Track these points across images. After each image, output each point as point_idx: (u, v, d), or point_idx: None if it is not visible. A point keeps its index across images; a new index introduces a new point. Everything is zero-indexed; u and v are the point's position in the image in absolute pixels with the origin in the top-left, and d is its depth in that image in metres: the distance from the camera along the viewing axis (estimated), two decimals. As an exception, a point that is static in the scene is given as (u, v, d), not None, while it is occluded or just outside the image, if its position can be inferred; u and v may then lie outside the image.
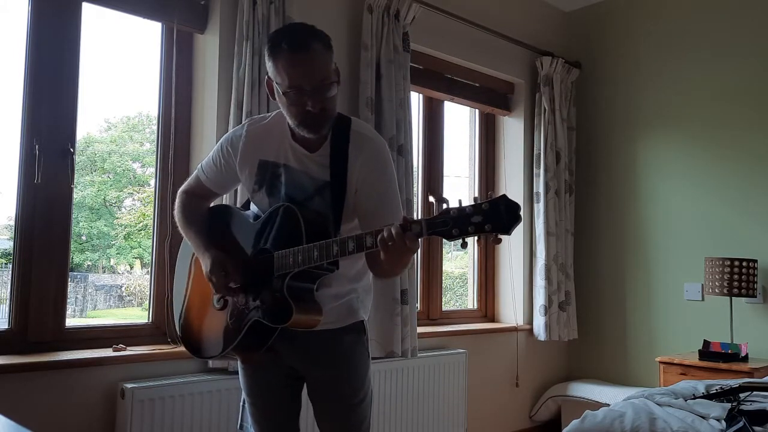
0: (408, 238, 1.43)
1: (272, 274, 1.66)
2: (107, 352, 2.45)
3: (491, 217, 1.33)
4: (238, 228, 1.84)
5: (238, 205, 2.24)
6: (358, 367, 1.82)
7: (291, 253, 1.62)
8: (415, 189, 3.34)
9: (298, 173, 1.74)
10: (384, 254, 1.47)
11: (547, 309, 3.97)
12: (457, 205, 1.39)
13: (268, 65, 1.66)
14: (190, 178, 1.99)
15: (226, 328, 1.75)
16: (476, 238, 1.37)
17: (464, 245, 1.40)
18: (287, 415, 1.90)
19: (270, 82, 1.69)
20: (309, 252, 1.58)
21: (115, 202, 3.15)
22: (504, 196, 1.34)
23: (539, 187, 4.05)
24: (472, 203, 1.36)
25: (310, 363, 1.82)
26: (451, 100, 3.95)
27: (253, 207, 1.87)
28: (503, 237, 1.36)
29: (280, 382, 1.87)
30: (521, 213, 1.34)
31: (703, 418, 2.02)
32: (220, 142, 1.88)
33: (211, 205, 2.00)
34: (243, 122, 1.90)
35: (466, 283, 4.29)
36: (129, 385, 2.35)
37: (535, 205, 4.08)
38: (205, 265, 1.76)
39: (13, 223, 2.42)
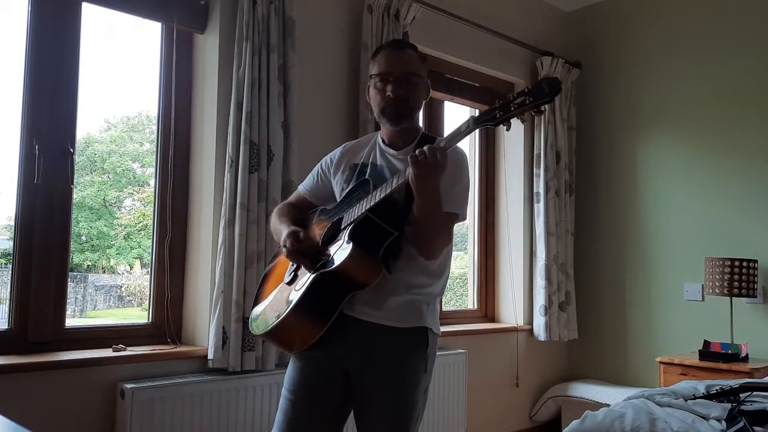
0: (437, 149, 1.58)
1: (339, 232, 1.77)
2: (107, 352, 2.45)
3: (533, 93, 1.48)
4: (321, 216, 1.95)
5: None
6: (410, 375, 1.77)
7: (357, 206, 1.74)
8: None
9: (382, 168, 1.87)
10: (413, 173, 1.59)
11: (547, 309, 3.97)
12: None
13: (370, 70, 1.92)
14: (291, 196, 2.17)
15: (291, 294, 1.78)
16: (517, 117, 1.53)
17: (508, 127, 1.56)
18: (322, 420, 1.83)
19: (368, 87, 1.93)
20: (371, 196, 1.71)
21: (115, 202, 3.15)
22: (546, 77, 1.51)
23: (539, 187, 4.05)
24: (516, 92, 1.52)
25: (366, 359, 1.77)
26: (451, 100, 3.95)
27: None
28: (544, 109, 1.55)
29: (329, 383, 1.82)
30: (561, 85, 1.49)
31: (703, 418, 2.02)
32: (318, 162, 2.06)
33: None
34: None
35: (466, 283, 4.29)
36: (129, 385, 2.35)
37: (535, 205, 4.08)
38: (283, 235, 1.83)
39: (13, 223, 2.42)
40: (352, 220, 1.73)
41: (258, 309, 1.94)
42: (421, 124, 3.87)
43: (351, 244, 1.67)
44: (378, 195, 1.69)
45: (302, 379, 1.84)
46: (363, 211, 1.70)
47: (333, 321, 1.71)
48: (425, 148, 1.59)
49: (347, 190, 1.87)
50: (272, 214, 2.04)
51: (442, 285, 1.89)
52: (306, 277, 1.75)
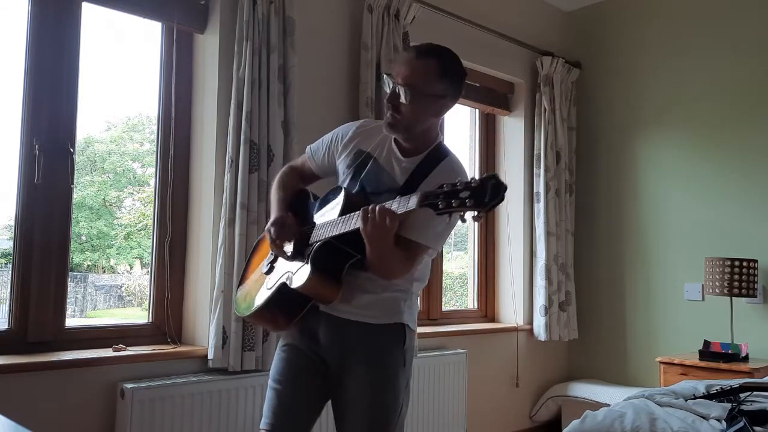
0: (389, 215, 1.52)
1: (308, 244, 1.77)
2: (107, 352, 2.45)
3: (475, 193, 1.36)
4: (307, 207, 1.94)
5: None
6: (389, 370, 1.79)
7: (324, 225, 1.73)
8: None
9: (381, 169, 1.82)
10: (363, 230, 1.56)
11: (548, 309, 3.97)
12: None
13: None
14: (298, 158, 2.11)
15: (264, 289, 1.85)
16: (462, 215, 1.41)
17: (463, 220, 1.43)
18: (306, 409, 1.86)
19: None
20: (335, 224, 1.69)
21: (115, 202, 3.15)
22: (494, 174, 1.37)
23: (539, 187, 4.05)
24: (467, 180, 1.40)
25: (344, 354, 1.80)
26: (451, 100, 3.94)
27: None
28: (484, 216, 1.39)
29: (311, 372, 1.84)
30: (505, 193, 1.36)
31: (703, 418, 2.02)
32: (332, 131, 1.99)
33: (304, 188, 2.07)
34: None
35: (466, 283, 4.29)
36: (129, 385, 2.35)
37: (536, 205, 4.08)
38: (270, 221, 1.86)
39: (13, 223, 2.42)
40: (317, 239, 1.73)
41: (242, 289, 2.01)
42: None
43: (309, 269, 1.68)
44: (341, 227, 1.66)
45: (287, 368, 1.86)
46: (327, 236, 1.69)
47: (302, 316, 1.78)
48: (377, 208, 1.54)
49: (325, 193, 1.85)
50: (278, 174, 2.04)
51: (418, 289, 1.90)
52: (276, 278, 1.81)
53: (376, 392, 1.78)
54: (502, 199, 1.35)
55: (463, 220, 1.42)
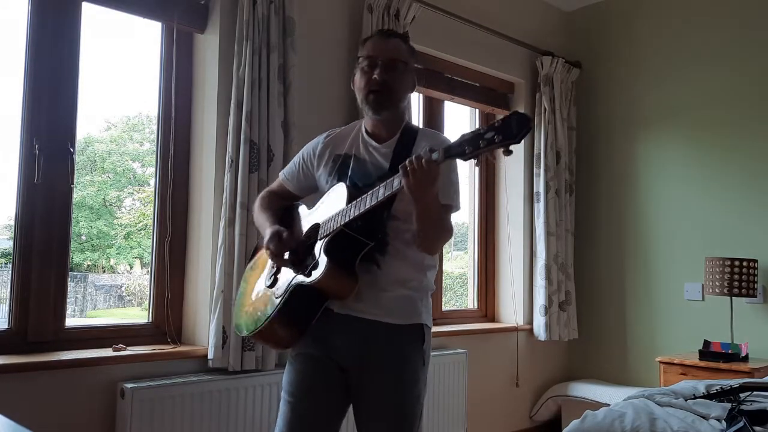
0: (427, 161, 1.51)
1: (317, 241, 1.76)
2: (107, 352, 2.45)
3: (501, 130, 1.39)
4: (302, 215, 1.95)
5: None
6: (410, 370, 1.78)
7: (332, 218, 1.72)
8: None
9: (365, 162, 1.85)
10: (407, 184, 1.53)
11: (548, 309, 3.97)
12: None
13: (359, 55, 1.89)
14: (273, 183, 2.15)
15: (272, 300, 1.81)
16: (486, 156, 1.46)
17: (477, 164, 1.50)
18: (325, 421, 1.83)
19: (353, 74, 1.90)
20: (347, 211, 1.68)
21: (115, 202, 3.15)
22: (516, 111, 1.41)
23: (539, 187, 4.05)
24: (488, 125, 1.43)
25: (364, 355, 1.77)
26: (451, 100, 3.94)
27: None
28: (512, 151, 1.43)
29: (328, 381, 1.81)
30: (532, 124, 1.39)
31: (703, 418, 2.02)
32: (301, 150, 2.04)
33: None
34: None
35: (466, 283, 4.29)
36: (129, 385, 2.35)
37: (535, 205, 4.08)
38: (266, 237, 1.84)
39: (13, 223, 2.42)
40: (327, 232, 1.72)
41: (241, 310, 1.96)
42: (422, 124, 3.90)
43: (326, 260, 1.67)
44: (354, 210, 1.65)
45: (300, 380, 1.83)
46: (338, 225, 1.68)
47: (314, 323, 1.77)
48: (413, 157, 1.53)
49: (326, 192, 1.86)
50: (255, 203, 2.05)
51: (433, 277, 1.89)
52: (285, 287, 1.77)
53: (399, 396, 1.76)
54: (530, 129, 1.39)
55: (494, 159, 1.46)
